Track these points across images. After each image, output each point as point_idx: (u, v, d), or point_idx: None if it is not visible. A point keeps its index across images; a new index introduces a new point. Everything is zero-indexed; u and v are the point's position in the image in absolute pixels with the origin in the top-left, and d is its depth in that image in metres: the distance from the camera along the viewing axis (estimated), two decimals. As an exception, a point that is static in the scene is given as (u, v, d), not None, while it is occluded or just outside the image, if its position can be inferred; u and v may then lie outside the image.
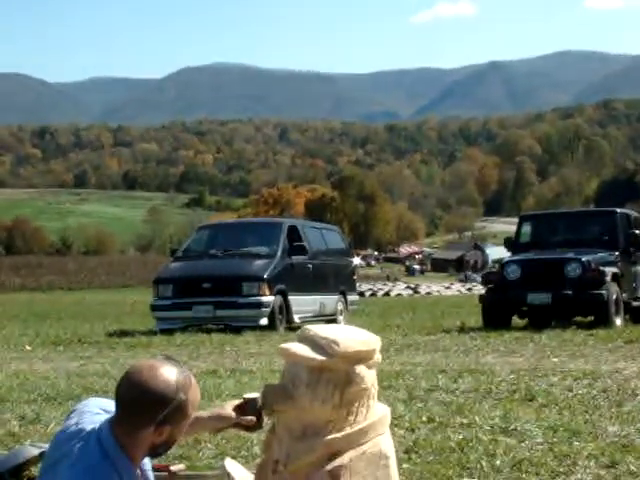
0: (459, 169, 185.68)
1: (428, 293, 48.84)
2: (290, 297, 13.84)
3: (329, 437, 2.49)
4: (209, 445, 4.57)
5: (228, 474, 2.83)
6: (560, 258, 12.43)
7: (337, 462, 2.48)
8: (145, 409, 2.31)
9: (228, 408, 2.75)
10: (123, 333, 13.35)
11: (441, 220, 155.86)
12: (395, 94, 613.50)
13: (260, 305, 13.16)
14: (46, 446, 3.18)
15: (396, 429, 4.60)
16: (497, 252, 67.71)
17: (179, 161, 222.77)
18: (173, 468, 3.47)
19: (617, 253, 12.90)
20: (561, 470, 3.87)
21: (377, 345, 2.58)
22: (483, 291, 13.59)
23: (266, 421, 2.77)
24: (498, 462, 3.99)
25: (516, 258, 12.95)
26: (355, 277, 18.02)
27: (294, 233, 14.81)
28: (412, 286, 56.02)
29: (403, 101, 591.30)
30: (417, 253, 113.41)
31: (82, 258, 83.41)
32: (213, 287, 13.37)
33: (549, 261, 12.56)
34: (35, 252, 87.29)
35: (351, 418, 2.51)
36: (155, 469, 2.75)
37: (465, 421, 4.94)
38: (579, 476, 3.80)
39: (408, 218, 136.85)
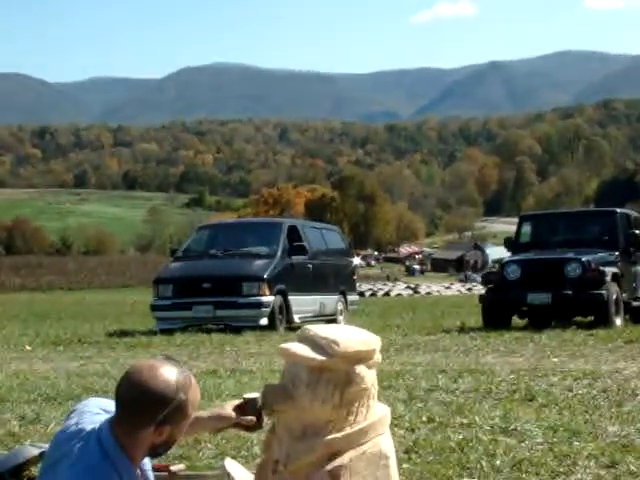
0: (459, 169, 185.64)
1: (428, 293, 48.84)
2: (290, 297, 13.83)
3: (329, 437, 2.49)
4: (209, 445, 4.57)
5: (228, 474, 2.82)
6: (560, 258, 12.43)
7: (337, 462, 2.48)
8: (145, 409, 2.31)
9: (228, 408, 2.75)
10: (123, 333, 13.34)
11: (441, 220, 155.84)
12: (395, 94, 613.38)
13: (260, 305, 13.16)
14: (46, 446, 3.17)
15: (396, 429, 4.60)
16: (497, 252, 67.71)
17: (179, 161, 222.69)
18: (173, 468, 3.47)
19: (617, 253, 12.90)
20: (561, 470, 3.87)
21: (377, 345, 2.58)
22: (483, 291, 13.59)
23: (266, 421, 2.77)
24: (498, 462, 3.99)
25: (516, 258, 12.95)
26: (355, 277, 18.02)
27: (294, 233, 14.80)
28: (412, 286, 56.01)
29: (403, 101, 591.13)
30: (417, 253, 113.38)
31: (82, 258, 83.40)
32: (213, 287, 13.36)
33: (549, 261, 12.55)
34: (35, 252, 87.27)
35: (351, 418, 2.51)
36: (155, 469, 2.75)
37: (465, 421, 4.94)
38: (579, 476, 3.80)
39: (408, 218, 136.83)
